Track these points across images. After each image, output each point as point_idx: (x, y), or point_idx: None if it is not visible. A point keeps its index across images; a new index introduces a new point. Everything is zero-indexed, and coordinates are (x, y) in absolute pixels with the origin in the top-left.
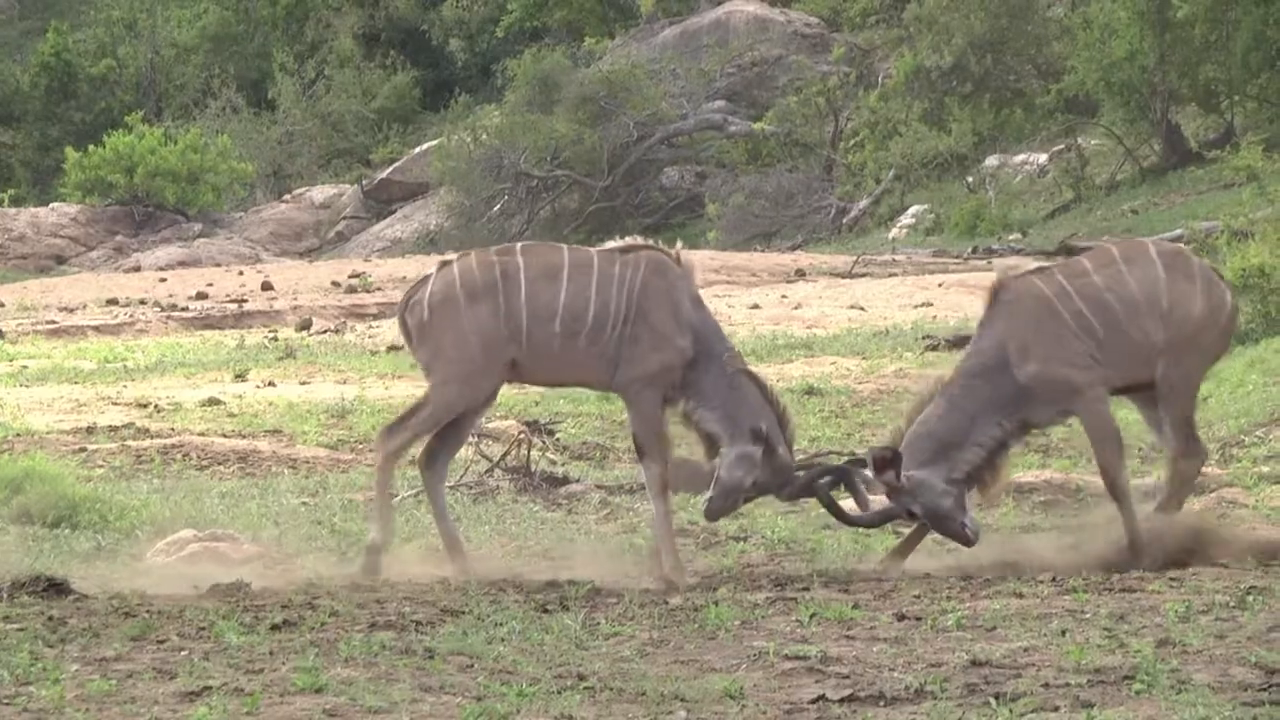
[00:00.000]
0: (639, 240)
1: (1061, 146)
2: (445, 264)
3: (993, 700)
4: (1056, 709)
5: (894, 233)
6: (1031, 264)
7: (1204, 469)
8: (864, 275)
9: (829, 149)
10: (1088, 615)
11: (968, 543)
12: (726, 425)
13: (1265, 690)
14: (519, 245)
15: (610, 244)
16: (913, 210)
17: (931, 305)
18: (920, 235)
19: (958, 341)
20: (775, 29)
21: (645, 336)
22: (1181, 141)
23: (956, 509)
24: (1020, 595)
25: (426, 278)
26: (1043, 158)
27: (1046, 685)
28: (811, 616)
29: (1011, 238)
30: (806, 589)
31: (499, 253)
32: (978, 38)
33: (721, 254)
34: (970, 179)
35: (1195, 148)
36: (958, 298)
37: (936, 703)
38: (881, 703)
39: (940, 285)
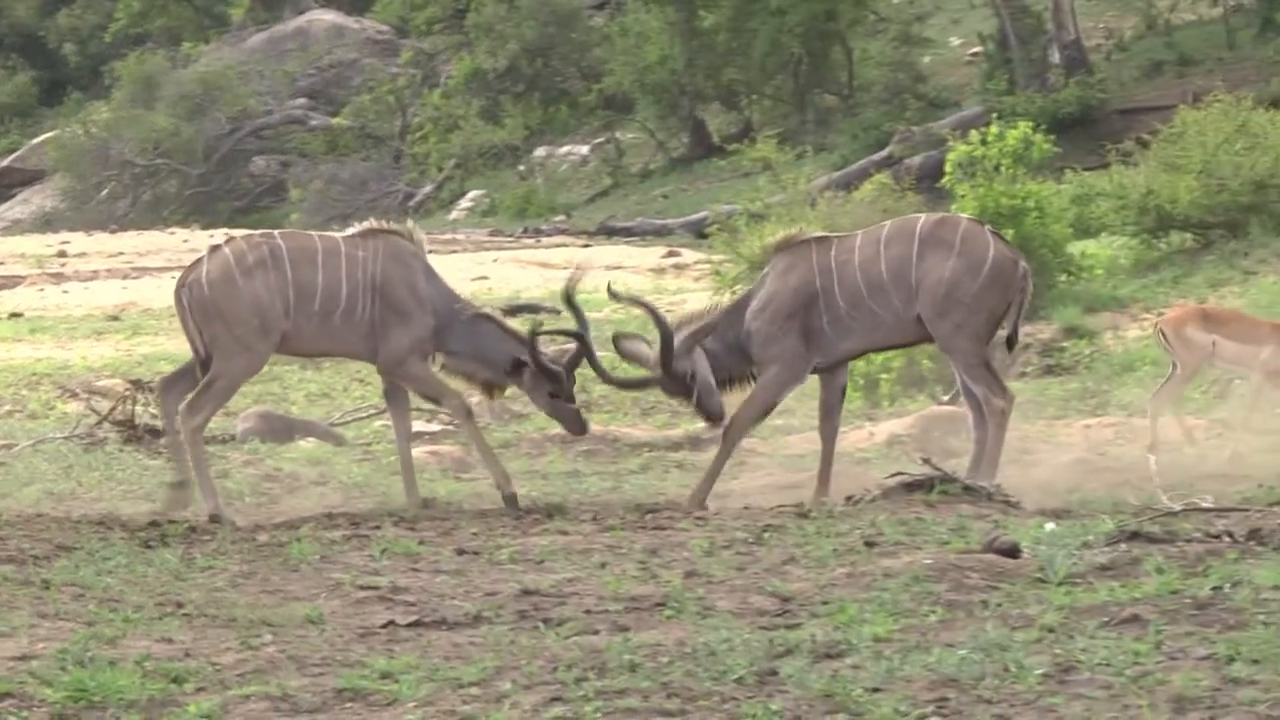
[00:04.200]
0: (374, 224)
1: (601, 139)
2: (215, 248)
3: (541, 625)
4: (597, 632)
5: (454, 215)
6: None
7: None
8: (430, 253)
9: (398, 141)
10: (624, 550)
11: (719, 419)
12: (484, 365)
13: (779, 615)
14: (276, 232)
15: (351, 229)
16: (471, 195)
17: (488, 278)
18: (478, 217)
19: (510, 310)
20: (351, 35)
21: (392, 318)
22: (706, 135)
23: (717, 391)
24: (565, 532)
25: (200, 260)
26: (585, 149)
27: (588, 612)
28: (383, 551)
29: (557, 219)
30: (378, 527)
31: (262, 236)
32: (529, 43)
33: None
34: (521, 168)
35: (718, 141)
36: (510, 271)
37: (492, 627)
38: (444, 627)
39: (495, 261)
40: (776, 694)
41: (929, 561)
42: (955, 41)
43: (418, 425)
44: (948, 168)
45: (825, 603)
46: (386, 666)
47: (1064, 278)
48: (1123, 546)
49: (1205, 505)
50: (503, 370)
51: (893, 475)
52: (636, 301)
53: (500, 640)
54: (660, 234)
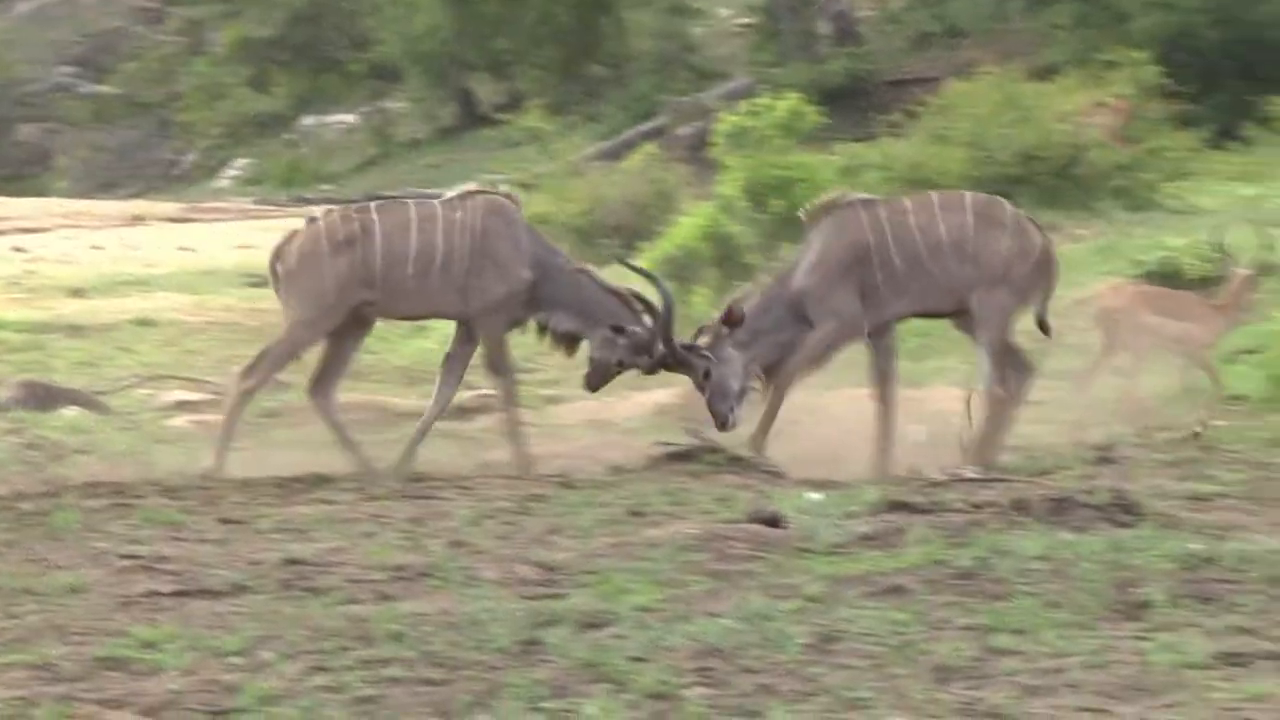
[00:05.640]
0: (474, 187)
1: (370, 109)
2: (312, 220)
3: (305, 594)
4: (361, 601)
5: (221, 183)
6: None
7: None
8: (195, 221)
9: (165, 109)
10: (389, 519)
11: (724, 427)
12: (581, 320)
13: (543, 585)
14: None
15: (451, 192)
16: (239, 163)
17: (254, 247)
18: (244, 186)
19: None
20: (119, 4)
21: (490, 268)
22: (475, 105)
23: (736, 394)
24: (329, 502)
25: (295, 232)
26: (353, 118)
27: (353, 580)
28: (145, 520)
29: (324, 188)
30: (141, 496)
31: (358, 211)
32: (298, 11)
33: (69, 201)
34: (289, 136)
35: (487, 111)
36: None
37: (255, 596)
38: (207, 596)
39: (262, 230)
40: (540, 663)
41: (693, 531)
42: (725, 12)
43: (183, 395)
44: (716, 138)
45: (589, 572)
46: (149, 635)
47: None
48: (886, 516)
49: (969, 475)
50: (603, 326)
51: (658, 444)
52: (644, 273)
53: (263, 609)
54: None
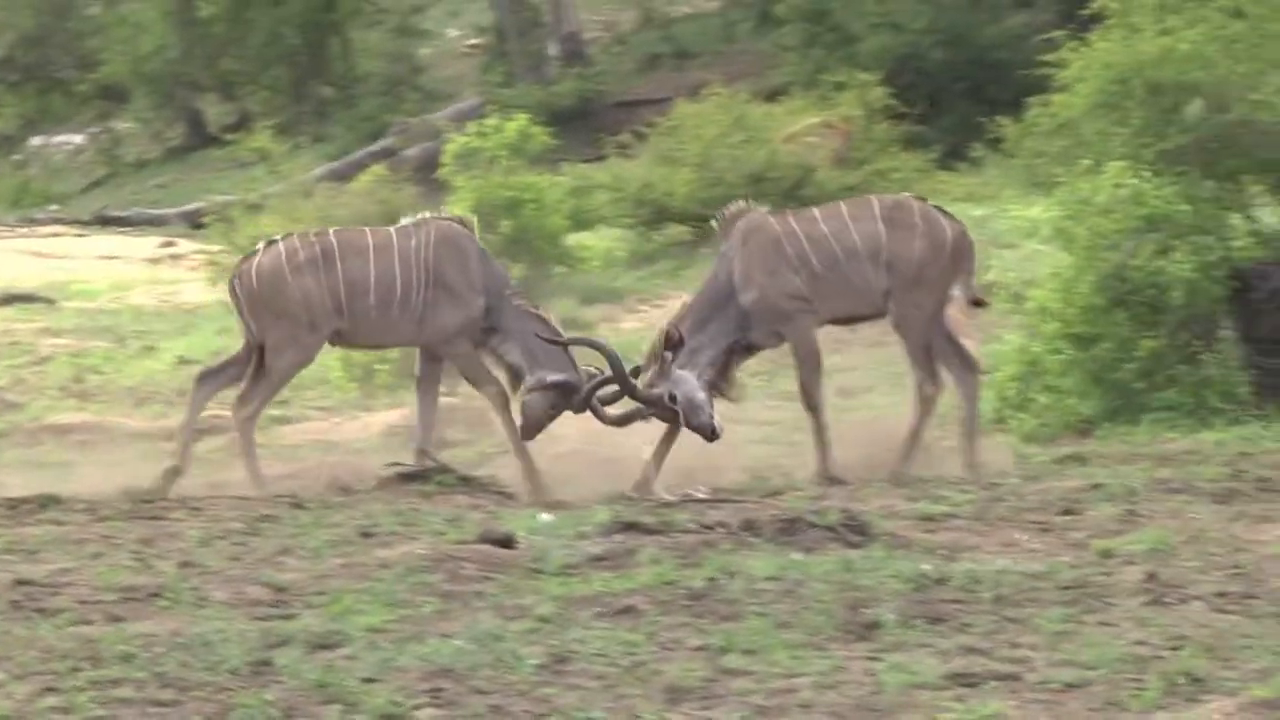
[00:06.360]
0: (428, 215)
1: (98, 129)
2: (271, 242)
3: (34, 615)
4: (92, 622)
5: None
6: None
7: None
8: None
9: None
10: (119, 540)
11: (711, 435)
12: (525, 357)
13: (274, 606)
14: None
15: (404, 220)
16: None
17: None
18: None
19: (6, 300)
20: None
21: (444, 297)
22: (203, 125)
23: (707, 403)
24: (59, 523)
25: (254, 252)
26: (80, 138)
27: (83, 602)
28: None
29: (53, 208)
30: None
31: (316, 234)
32: (25, 32)
33: None
34: (17, 157)
35: (215, 131)
36: (5, 260)
37: None
38: None
39: None
40: (271, 684)
41: (424, 552)
42: (453, 33)
43: None
44: (445, 159)
45: (320, 593)
46: None
47: (561, 269)
48: (618, 537)
49: (700, 496)
50: (542, 368)
51: (389, 465)
52: (585, 341)
53: None
54: (156, 224)
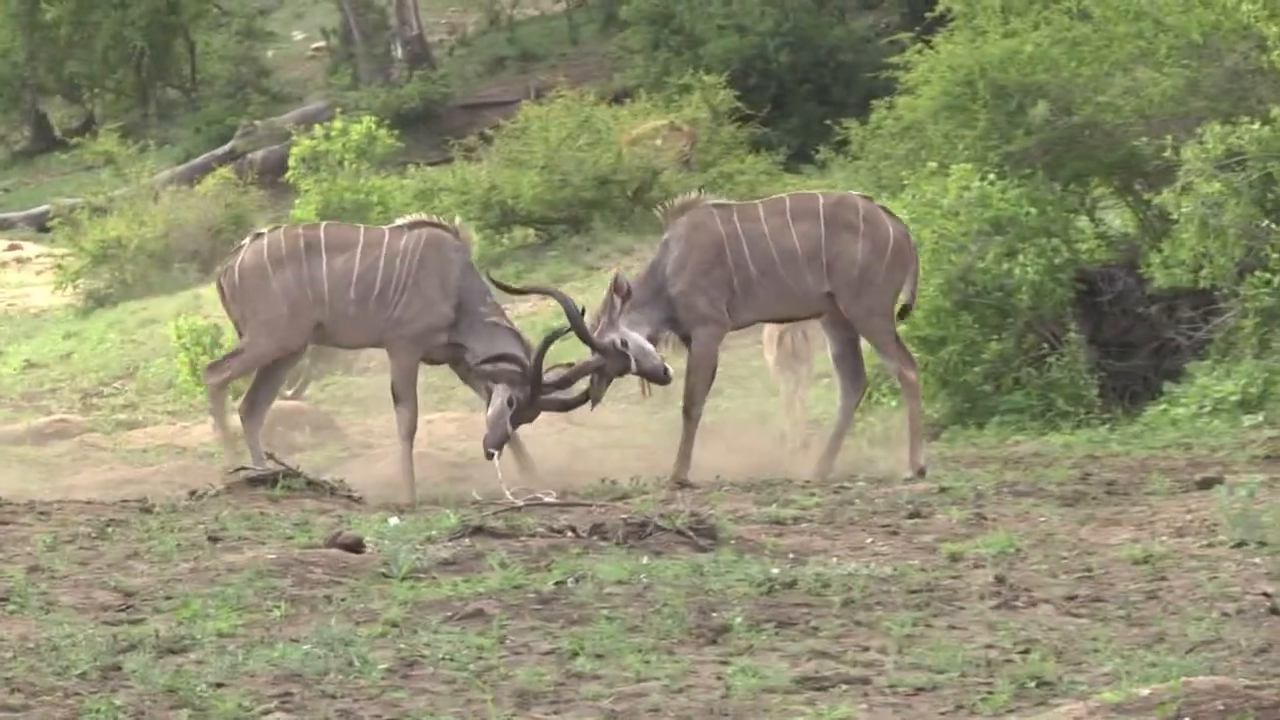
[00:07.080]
0: (422, 217)
1: None
2: (258, 235)
3: None
4: None
5: None
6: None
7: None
8: None
9: None
10: None
11: (665, 378)
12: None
13: (123, 610)
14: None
15: (399, 220)
16: None
17: None
18: None
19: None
20: None
21: (415, 301)
22: (49, 128)
23: (655, 351)
24: None
25: (241, 247)
26: None
27: None
28: None
29: None
30: None
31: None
32: None
33: None
34: None
35: (61, 134)
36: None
37: None
38: None
39: None
40: (120, 689)
41: (273, 556)
42: (299, 36)
43: None
44: (291, 162)
45: (169, 598)
46: None
47: None
48: (466, 541)
49: (548, 500)
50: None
51: (237, 470)
52: (540, 289)
53: None
54: (2, 227)
